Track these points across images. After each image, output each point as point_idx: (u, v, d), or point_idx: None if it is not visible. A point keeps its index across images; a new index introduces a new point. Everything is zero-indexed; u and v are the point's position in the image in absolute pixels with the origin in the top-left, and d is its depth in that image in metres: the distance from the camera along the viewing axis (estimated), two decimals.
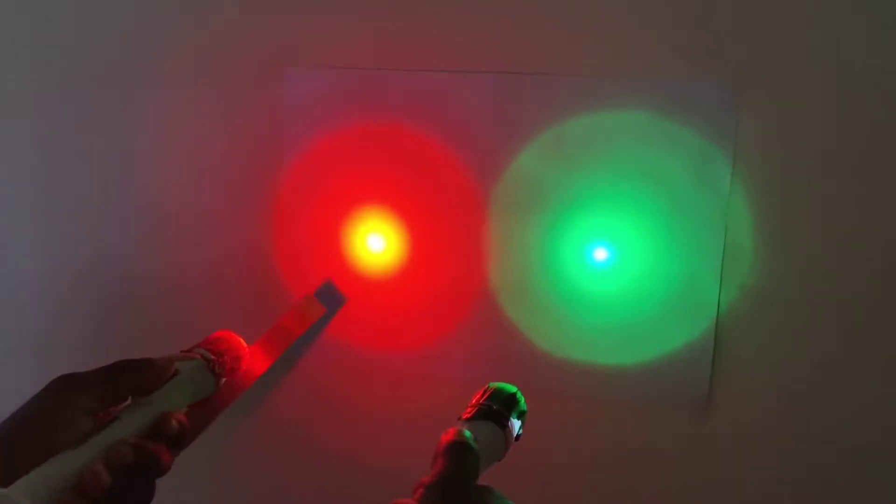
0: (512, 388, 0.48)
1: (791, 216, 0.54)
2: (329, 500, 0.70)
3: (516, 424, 0.47)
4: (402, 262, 0.64)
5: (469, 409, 0.46)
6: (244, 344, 0.55)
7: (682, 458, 0.60)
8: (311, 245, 0.66)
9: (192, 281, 0.69)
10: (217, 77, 0.65)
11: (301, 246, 0.67)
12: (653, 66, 0.55)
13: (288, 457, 0.70)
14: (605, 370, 0.60)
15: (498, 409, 0.46)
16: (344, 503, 0.70)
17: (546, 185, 0.59)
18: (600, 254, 0.59)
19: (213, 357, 0.52)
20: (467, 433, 0.43)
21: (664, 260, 0.57)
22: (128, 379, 0.47)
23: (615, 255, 0.59)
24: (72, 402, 0.45)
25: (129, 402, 0.48)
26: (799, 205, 0.54)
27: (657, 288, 0.58)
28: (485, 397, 0.47)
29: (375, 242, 0.65)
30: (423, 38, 0.60)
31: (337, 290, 0.64)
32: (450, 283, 0.63)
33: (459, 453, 0.42)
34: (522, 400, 0.48)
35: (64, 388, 0.45)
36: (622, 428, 0.61)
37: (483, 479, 0.43)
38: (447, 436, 0.43)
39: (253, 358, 0.58)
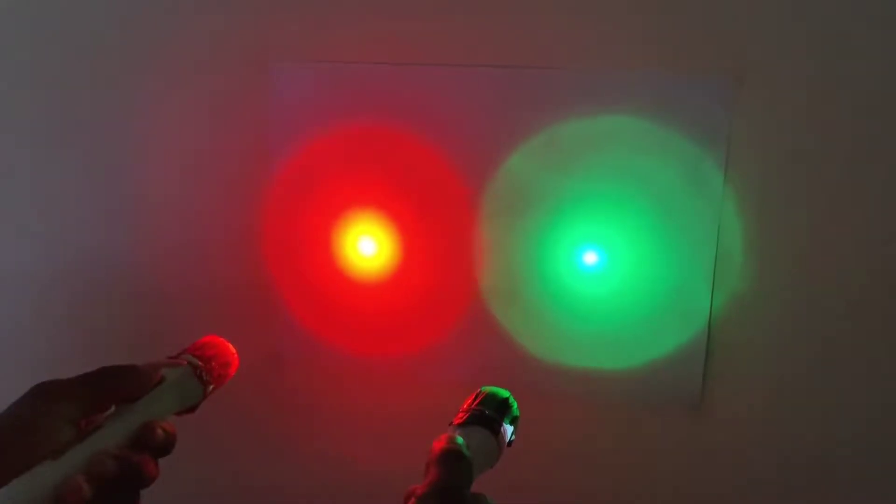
0: (504, 393, 0.46)
1: (785, 218, 0.54)
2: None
3: (509, 430, 0.45)
4: (393, 266, 0.63)
5: (461, 415, 0.45)
6: (233, 350, 0.53)
7: (676, 460, 0.59)
8: (302, 247, 0.65)
9: (179, 285, 0.67)
10: (204, 74, 0.64)
11: (291, 249, 0.65)
12: (646, 61, 0.54)
13: (277, 460, 0.69)
14: (597, 373, 0.59)
15: (490, 414, 0.44)
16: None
17: (538, 185, 0.58)
18: (590, 258, 0.58)
19: (200, 363, 0.50)
20: (460, 440, 0.42)
21: (654, 264, 0.57)
22: (111, 386, 0.45)
23: (605, 258, 0.58)
24: (52, 410, 0.43)
25: (112, 410, 0.46)
26: (793, 206, 0.53)
27: (647, 292, 0.57)
28: (476, 402, 0.45)
29: (367, 246, 0.64)
30: (413, 31, 0.59)
31: None
32: (443, 287, 0.62)
33: (453, 461, 0.40)
34: (515, 405, 0.46)
35: (44, 396, 0.43)
36: (614, 430, 0.60)
37: (475, 485, 0.41)
38: (440, 443, 0.42)
39: None
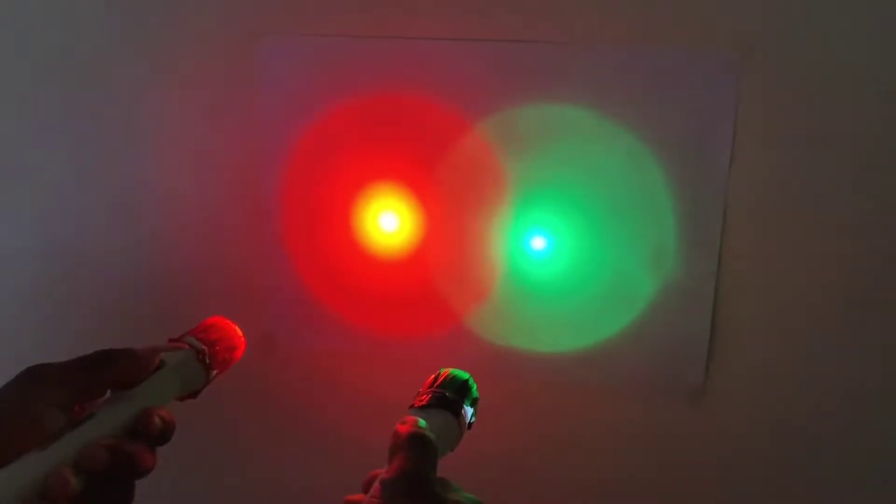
0: (464, 375, 0.46)
1: (790, 206, 0.52)
2: (330, 485, 0.67)
3: (469, 412, 0.45)
4: (415, 243, 0.61)
5: (421, 397, 0.45)
6: (240, 332, 0.51)
7: (677, 446, 0.58)
8: (320, 223, 0.62)
9: (184, 264, 0.65)
10: (195, 52, 0.61)
11: (308, 225, 0.62)
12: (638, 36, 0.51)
13: (288, 440, 0.67)
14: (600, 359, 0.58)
15: (451, 396, 0.44)
16: (345, 488, 0.67)
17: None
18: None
19: (204, 347, 0.48)
20: (423, 423, 0.41)
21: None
22: (106, 371, 0.43)
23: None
24: (41, 395, 0.41)
25: (108, 396, 0.44)
26: (798, 193, 0.52)
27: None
28: (437, 384, 0.45)
29: (388, 221, 0.61)
30: (403, 4, 0.56)
31: None
32: (467, 265, 0.60)
33: (420, 446, 0.40)
34: (475, 387, 0.46)
35: (33, 381, 0.41)
36: (617, 416, 0.59)
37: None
38: (404, 427, 0.41)
39: None
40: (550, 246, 0.57)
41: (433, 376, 0.46)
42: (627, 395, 0.58)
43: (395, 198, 0.60)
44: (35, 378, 0.41)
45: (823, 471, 0.56)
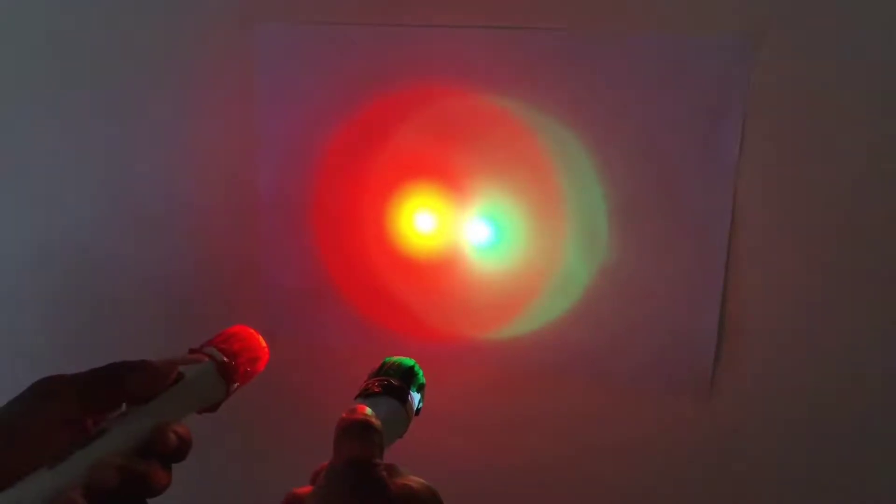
0: (409, 362, 0.47)
1: (799, 204, 0.51)
2: None
3: (416, 398, 0.46)
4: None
5: (367, 386, 0.45)
6: (263, 343, 0.48)
7: (684, 446, 0.58)
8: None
9: (208, 269, 0.64)
10: (193, 44, 0.60)
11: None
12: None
13: (301, 439, 0.66)
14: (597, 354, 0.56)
15: (398, 384, 0.44)
16: None
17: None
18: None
19: (225, 358, 0.45)
20: (368, 411, 0.41)
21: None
22: (120, 384, 0.41)
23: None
24: (51, 410, 0.39)
25: (123, 409, 0.41)
26: (807, 190, 0.51)
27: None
28: (381, 372, 0.46)
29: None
30: None
31: None
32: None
33: (364, 433, 0.39)
34: (420, 373, 0.47)
35: (43, 394, 0.40)
36: (621, 415, 0.58)
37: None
38: (349, 415, 0.40)
39: None
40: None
41: (378, 365, 0.46)
42: (633, 392, 0.57)
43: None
44: (45, 392, 0.40)
45: (829, 469, 0.55)
